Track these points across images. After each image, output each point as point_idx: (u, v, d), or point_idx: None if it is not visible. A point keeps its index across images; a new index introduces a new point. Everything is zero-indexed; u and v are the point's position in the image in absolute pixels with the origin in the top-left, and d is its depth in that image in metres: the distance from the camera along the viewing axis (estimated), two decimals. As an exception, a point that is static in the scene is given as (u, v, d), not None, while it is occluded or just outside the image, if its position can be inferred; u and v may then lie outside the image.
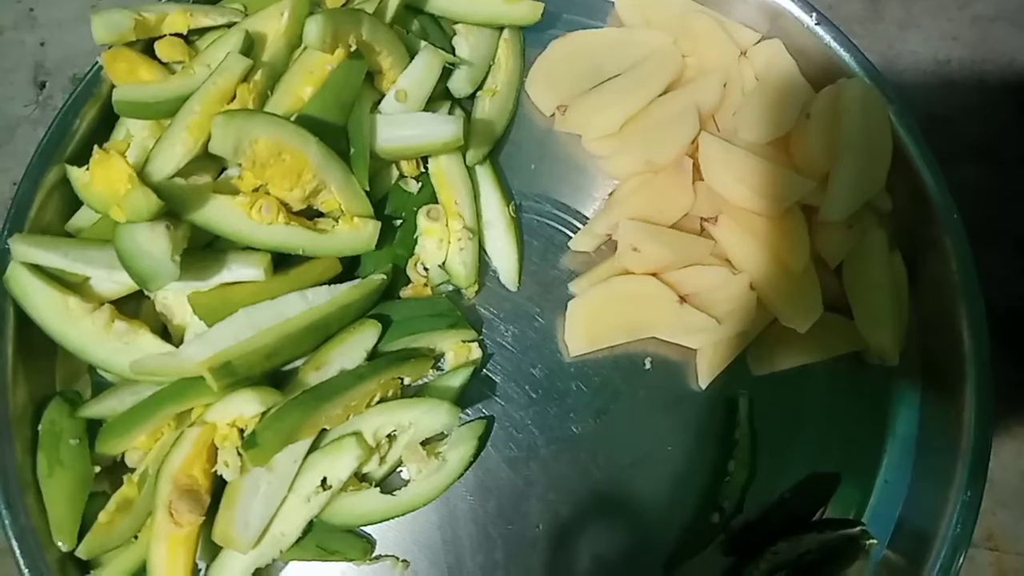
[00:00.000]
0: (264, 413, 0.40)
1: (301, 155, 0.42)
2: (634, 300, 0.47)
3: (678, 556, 0.45)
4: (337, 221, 0.45)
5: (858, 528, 0.46)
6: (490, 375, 0.48)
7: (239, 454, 0.40)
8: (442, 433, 0.46)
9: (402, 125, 0.46)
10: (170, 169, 0.42)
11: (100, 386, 0.45)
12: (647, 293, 0.47)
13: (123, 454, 0.43)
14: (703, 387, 0.47)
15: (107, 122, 0.47)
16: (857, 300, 0.48)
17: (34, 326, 0.42)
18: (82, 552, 0.40)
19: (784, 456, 0.47)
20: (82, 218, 0.46)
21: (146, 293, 0.44)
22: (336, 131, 0.44)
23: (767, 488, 0.47)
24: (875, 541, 0.46)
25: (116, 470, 0.43)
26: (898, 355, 0.48)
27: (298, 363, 0.43)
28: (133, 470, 0.43)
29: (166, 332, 0.45)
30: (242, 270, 0.42)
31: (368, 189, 0.44)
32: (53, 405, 0.43)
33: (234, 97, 0.44)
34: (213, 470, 0.41)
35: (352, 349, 0.43)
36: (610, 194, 0.50)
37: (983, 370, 0.45)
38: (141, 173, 0.41)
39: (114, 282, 0.42)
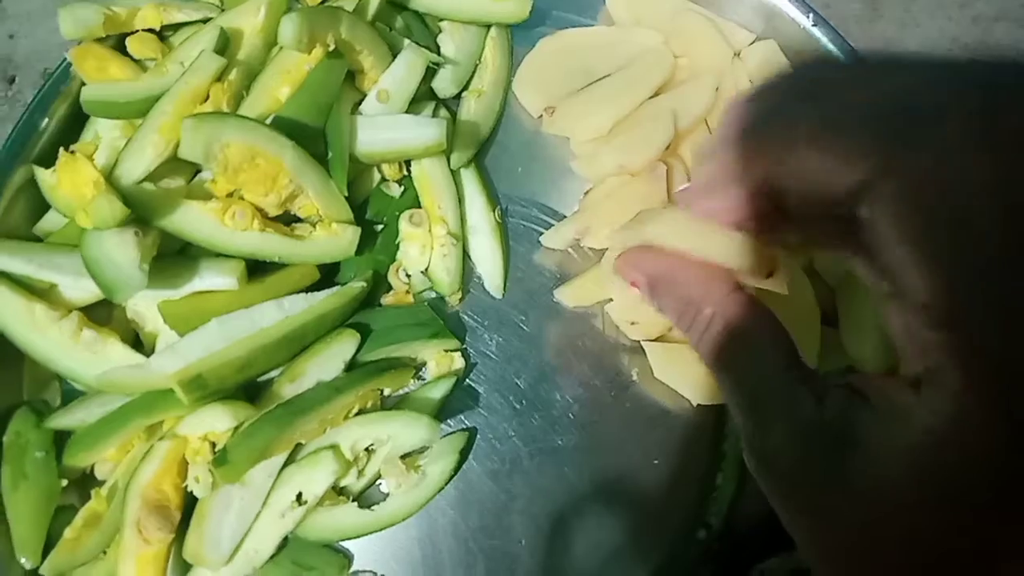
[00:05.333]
0: (237, 428, 0.39)
1: (276, 160, 0.40)
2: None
3: (663, 573, 0.44)
4: (315, 227, 0.43)
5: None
6: (473, 385, 0.47)
7: (210, 470, 0.39)
8: (423, 446, 0.45)
9: (383, 128, 0.44)
10: (140, 173, 0.40)
11: (70, 394, 0.44)
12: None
13: (92, 467, 0.42)
14: (695, 404, 0.46)
15: (77, 120, 0.46)
16: (844, 312, 0.47)
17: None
18: (47, 570, 0.38)
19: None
20: (51, 221, 0.44)
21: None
22: (314, 133, 0.43)
23: (756, 502, 0.46)
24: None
25: (84, 483, 0.42)
26: (885, 366, 0.47)
27: (273, 374, 0.42)
28: (102, 483, 0.41)
29: (138, 340, 0.43)
30: (215, 279, 0.40)
31: (347, 194, 0.43)
32: (19, 415, 0.41)
33: (207, 98, 0.42)
34: (184, 485, 0.40)
35: (330, 360, 0.42)
36: (584, 194, 0.49)
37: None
38: (110, 177, 0.40)
39: (82, 289, 0.41)
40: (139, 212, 0.38)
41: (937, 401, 0.19)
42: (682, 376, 0.46)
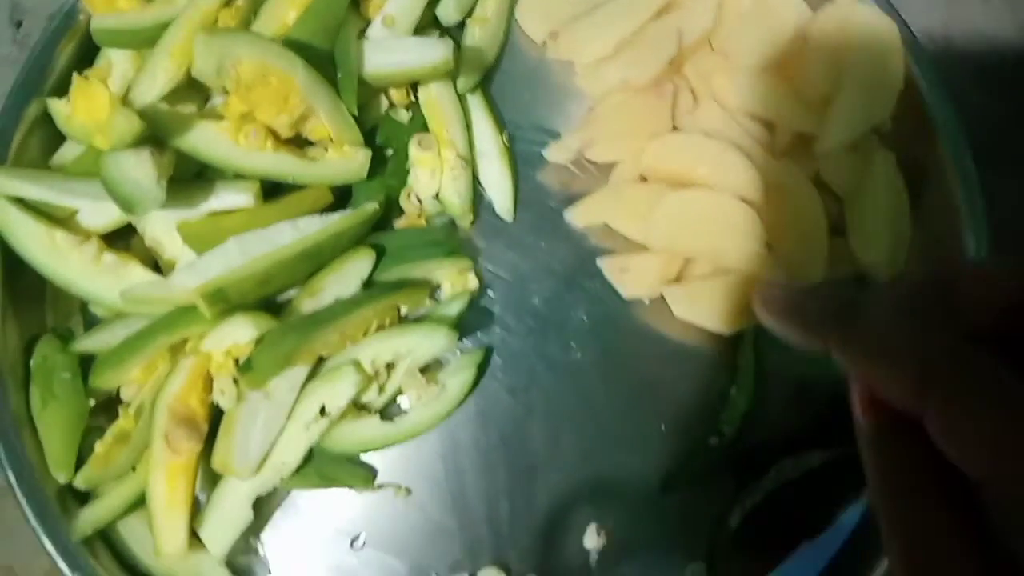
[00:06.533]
0: (260, 340, 0.40)
1: (287, 78, 0.41)
2: (721, 222, 0.45)
3: (676, 479, 0.45)
4: (327, 150, 0.44)
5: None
6: (488, 306, 0.47)
7: (235, 382, 0.40)
8: (440, 363, 0.46)
9: (390, 50, 0.45)
10: (153, 96, 0.41)
11: (92, 326, 0.44)
12: (737, 222, 0.45)
13: (118, 390, 0.43)
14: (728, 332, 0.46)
15: (87, 56, 0.46)
16: (853, 219, 0.47)
17: (22, 264, 0.41)
18: (80, 482, 0.39)
19: (788, 380, 0.47)
20: (65, 155, 0.44)
21: (136, 228, 0.44)
22: (322, 57, 0.43)
23: (771, 412, 0.47)
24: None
25: (112, 406, 0.43)
26: (894, 272, 0.47)
27: (292, 293, 0.43)
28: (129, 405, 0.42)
29: (157, 269, 0.44)
30: (231, 197, 0.41)
31: (357, 115, 0.43)
32: (44, 341, 0.42)
33: (216, 23, 0.43)
34: (210, 400, 0.40)
35: (347, 277, 0.43)
36: (589, 109, 0.49)
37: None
38: (123, 101, 0.40)
39: (101, 214, 0.42)
40: (154, 130, 0.39)
41: None
42: (705, 312, 0.46)
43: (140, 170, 0.38)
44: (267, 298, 0.41)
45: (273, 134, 0.42)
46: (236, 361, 0.40)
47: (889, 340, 0.24)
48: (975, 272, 0.25)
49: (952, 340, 0.22)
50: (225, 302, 0.39)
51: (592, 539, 0.44)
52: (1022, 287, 0.23)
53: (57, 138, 0.44)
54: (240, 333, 0.39)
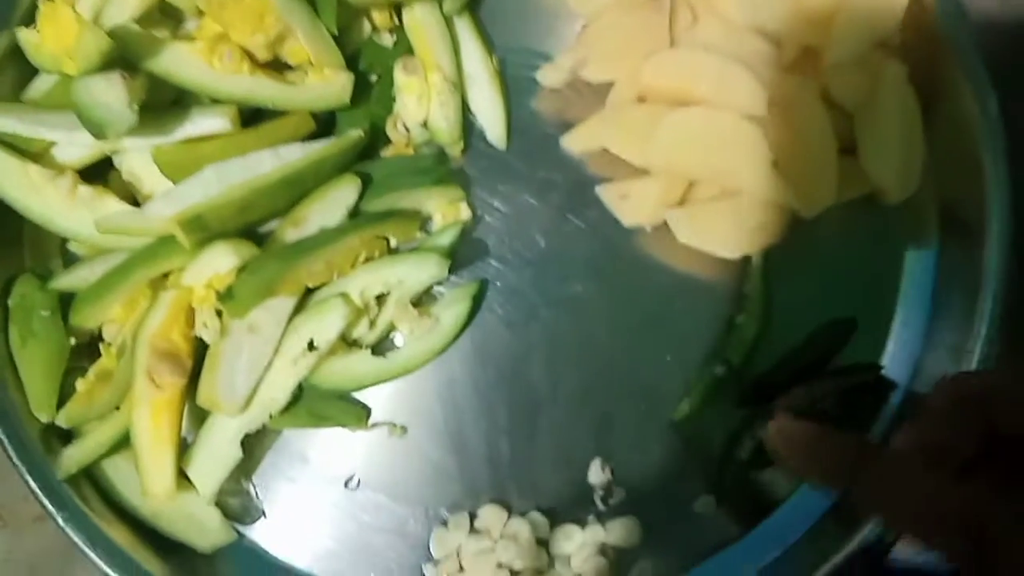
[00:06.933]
0: (242, 270, 0.38)
1: (261, -7, 0.39)
2: (726, 141, 0.43)
3: (684, 411, 0.43)
4: (307, 73, 0.42)
5: (876, 373, 0.44)
6: (482, 238, 0.45)
7: (218, 315, 0.38)
8: (434, 297, 0.44)
9: (371, -32, 0.43)
10: (123, 19, 0.39)
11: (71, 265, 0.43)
12: (742, 140, 0.43)
13: (100, 330, 0.41)
14: (733, 256, 0.44)
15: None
16: (863, 136, 0.45)
17: (-1, 204, 0.40)
18: (62, 420, 0.38)
19: (797, 307, 0.45)
20: (37, 89, 0.43)
21: (114, 164, 0.42)
22: (299, -25, 0.41)
23: (779, 340, 0.45)
24: (895, 385, 0.43)
25: (95, 349, 0.41)
26: (907, 193, 0.45)
27: (275, 224, 0.41)
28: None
29: (136, 204, 0.42)
30: (207, 121, 0.39)
31: (336, 34, 0.41)
32: (23, 279, 0.41)
33: (186, -57, 0.41)
34: (193, 335, 0.39)
35: (331, 206, 0.41)
36: (582, 27, 0.47)
37: (1003, 209, 0.43)
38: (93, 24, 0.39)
39: (75, 147, 0.40)
40: (125, 52, 0.37)
41: None
42: (710, 236, 0.44)
43: (111, 93, 0.36)
44: (248, 227, 0.40)
45: (250, 57, 0.40)
46: (218, 293, 0.39)
47: (904, 497, 0.26)
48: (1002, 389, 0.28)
49: (960, 498, 0.24)
50: (203, 230, 0.37)
51: (596, 475, 0.43)
52: None
53: (29, 72, 0.43)
54: (221, 262, 0.38)
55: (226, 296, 0.36)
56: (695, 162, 0.44)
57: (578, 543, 0.42)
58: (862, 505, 0.28)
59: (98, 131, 0.36)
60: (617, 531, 0.42)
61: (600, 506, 0.43)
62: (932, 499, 0.25)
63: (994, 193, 0.43)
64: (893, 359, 0.45)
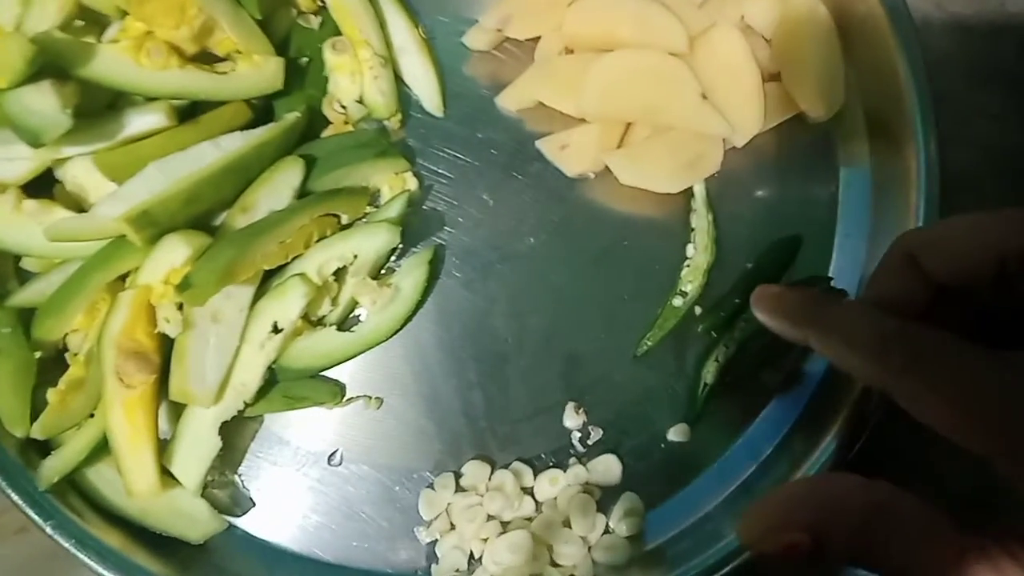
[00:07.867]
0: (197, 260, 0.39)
1: (179, -14, 0.39)
2: (654, 79, 0.45)
3: (647, 344, 0.45)
4: (236, 63, 0.42)
5: (826, 285, 0.45)
6: (432, 205, 0.46)
7: (179, 308, 0.39)
8: (392, 269, 0.45)
9: (286, -48, 0.43)
10: (45, 26, 0.39)
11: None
12: (670, 76, 0.45)
13: (65, 342, 0.42)
14: (676, 191, 0.46)
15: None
16: (783, 60, 0.47)
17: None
18: (37, 433, 0.38)
19: (744, 232, 0.47)
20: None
21: (57, 178, 0.42)
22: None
23: (731, 265, 0.46)
24: (845, 293, 0.45)
25: (61, 360, 0.42)
26: (832, 111, 0.46)
27: (224, 214, 0.41)
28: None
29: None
30: (142, 119, 0.39)
31: (260, 19, 0.42)
32: (-21, 301, 0.41)
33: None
34: (157, 332, 0.39)
35: (278, 189, 0.41)
36: None
37: (926, 111, 0.45)
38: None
39: (13, 160, 0.40)
40: (51, 59, 0.37)
41: None
42: (651, 174, 0.45)
43: (42, 102, 0.37)
44: (197, 219, 0.40)
45: (177, 51, 0.40)
46: (177, 285, 0.39)
47: (853, 328, 0.28)
48: (930, 242, 0.29)
49: (901, 322, 0.27)
50: (153, 225, 0.38)
51: (572, 418, 0.44)
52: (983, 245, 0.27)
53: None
54: (175, 255, 0.38)
55: (184, 285, 0.37)
56: (627, 104, 0.45)
57: (562, 486, 0.43)
58: (819, 347, 0.30)
59: (33, 139, 0.36)
60: (598, 469, 0.43)
61: (579, 448, 0.44)
62: (876, 324, 0.27)
63: (915, 101, 0.45)
64: (840, 270, 0.47)
